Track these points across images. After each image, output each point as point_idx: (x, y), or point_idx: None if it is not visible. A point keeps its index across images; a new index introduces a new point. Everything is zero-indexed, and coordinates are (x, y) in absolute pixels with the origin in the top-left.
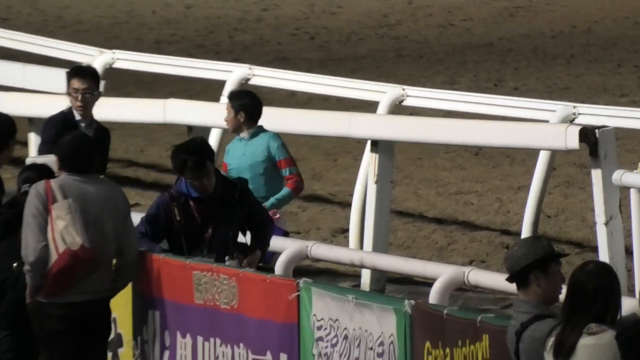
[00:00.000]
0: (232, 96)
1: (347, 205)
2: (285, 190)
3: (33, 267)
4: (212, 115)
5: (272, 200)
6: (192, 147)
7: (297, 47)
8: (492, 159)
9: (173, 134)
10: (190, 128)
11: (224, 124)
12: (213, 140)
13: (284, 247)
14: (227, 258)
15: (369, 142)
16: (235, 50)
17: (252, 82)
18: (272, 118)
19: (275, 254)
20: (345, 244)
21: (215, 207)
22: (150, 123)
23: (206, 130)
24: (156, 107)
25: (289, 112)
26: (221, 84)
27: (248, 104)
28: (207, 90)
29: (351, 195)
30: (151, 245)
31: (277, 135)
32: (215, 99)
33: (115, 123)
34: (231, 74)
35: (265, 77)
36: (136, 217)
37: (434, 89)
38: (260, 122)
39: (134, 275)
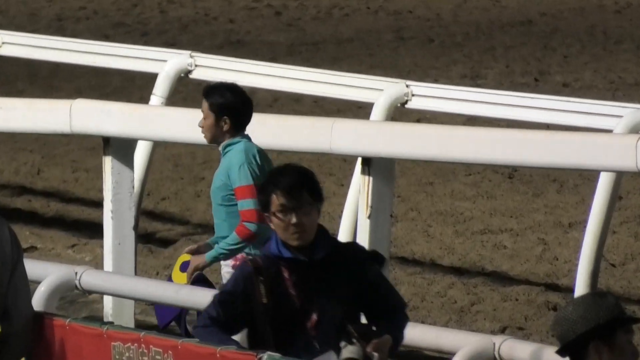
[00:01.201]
0: (210, 92)
1: None
2: (231, 235)
3: None
4: (138, 123)
5: (212, 252)
6: (288, 168)
7: (256, 27)
8: (531, 184)
9: (82, 148)
10: (107, 140)
11: (154, 135)
12: (140, 158)
13: None
14: (343, 344)
15: (358, 161)
16: (170, 31)
17: (195, 75)
18: None
19: None
20: None
21: (320, 279)
22: (50, 133)
23: (129, 143)
24: (59, 110)
25: None
26: (150, 78)
27: (235, 104)
28: (130, 86)
29: (335, 234)
30: (223, 338)
31: (248, 151)
32: (142, 99)
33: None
34: (164, 64)
35: (213, 68)
36: (32, 266)
37: (450, 86)
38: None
39: (27, 349)
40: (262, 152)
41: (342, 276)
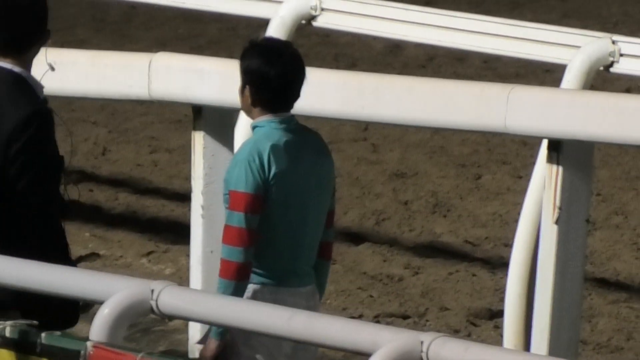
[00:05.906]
0: (245, 48)
1: (500, 265)
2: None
3: None
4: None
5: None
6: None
7: None
8: None
9: (163, 121)
10: (198, 110)
11: None
12: (242, 134)
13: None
14: None
15: (543, 145)
16: None
17: (320, 22)
18: (351, 91)
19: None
20: (496, 340)
21: None
22: (121, 99)
23: (228, 114)
24: (133, 68)
25: (386, 80)
26: (258, 25)
27: (258, 69)
28: (230, 37)
29: (508, 245)
30: None
31: (259, 143)
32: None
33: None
34: (279, 5)
35: (345, 13)
36: (93, 280)
37: None
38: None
39: None
40: (282, 151)
41: None
